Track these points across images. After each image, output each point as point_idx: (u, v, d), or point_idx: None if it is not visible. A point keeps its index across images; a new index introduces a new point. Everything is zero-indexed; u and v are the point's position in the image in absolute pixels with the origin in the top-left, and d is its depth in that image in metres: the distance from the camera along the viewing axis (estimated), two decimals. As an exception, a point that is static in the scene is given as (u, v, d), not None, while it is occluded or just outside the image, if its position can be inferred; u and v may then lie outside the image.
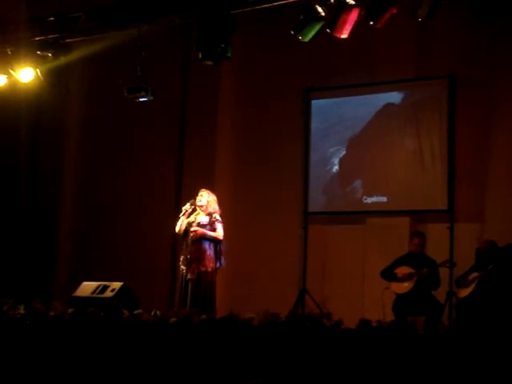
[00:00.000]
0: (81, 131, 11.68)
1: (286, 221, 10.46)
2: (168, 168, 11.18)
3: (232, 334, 6.37)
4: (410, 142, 9.76)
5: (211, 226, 8.37)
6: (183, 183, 10.90)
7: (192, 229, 8.31)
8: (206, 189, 8.59)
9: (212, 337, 6.45)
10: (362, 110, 10.10)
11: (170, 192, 10.99)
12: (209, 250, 8.33)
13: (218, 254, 8.39)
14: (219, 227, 8.37)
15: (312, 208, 10.29)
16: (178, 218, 8.48)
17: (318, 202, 10.32)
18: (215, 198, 8.56)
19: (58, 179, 11.65)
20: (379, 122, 10.00)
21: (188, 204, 8.50)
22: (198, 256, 8.25)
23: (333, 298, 9.72)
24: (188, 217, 8.44)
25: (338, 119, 10.29)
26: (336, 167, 10.28)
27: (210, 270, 8.27)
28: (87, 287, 8.53)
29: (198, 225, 8.38)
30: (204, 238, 8.33)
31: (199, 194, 8.53)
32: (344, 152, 10.28)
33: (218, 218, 8.41)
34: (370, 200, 10.00)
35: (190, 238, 8.36)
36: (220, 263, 8.39)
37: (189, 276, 8.23)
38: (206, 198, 8.48)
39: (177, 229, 8.48)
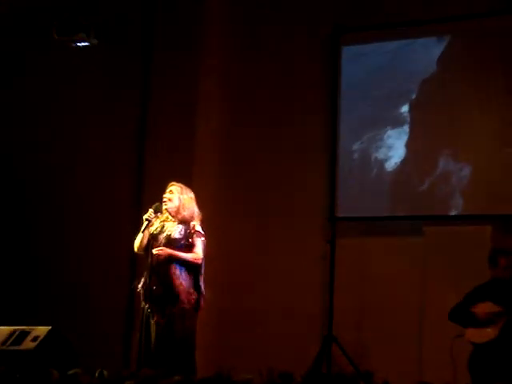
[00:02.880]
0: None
1: (302, 232, 9.01)
2: (123, 163, 9.56)
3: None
4: (493, 109, 8.14)
5: (187, 240, 6.84)
6: (144, 185, 9.36)
7: (154, 250, 6.82)
8: (178, 183, 7.13)
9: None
10: (418, 60, 8.59)
11: (127, 198, 9.43)
12: (181, 277, 6.82)
13: (197, 283, 6.88)
14: (198, 244, 6.91)
15: (348, 213, 8.89)
16: (137, 233, 7.08)
17: (359, 204, 8.86)
18: (192, 195, 7.05)
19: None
20: (443, 79, 8.48)
21: (151, 210, 7.03)
22: (165, 289, 6.78)
23: (374, 348, 8.47)
24: (151, 226, 6.99)
25: (382, 74, 8.78)
26: (388, 151, 8.71)
27: (186, 307, 6.78)
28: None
29: (169, 239, 6.79)
30: (174, 260, 6.82)
31: (167, 190, 7.07)
32: (395, 128, 8.68)
33: (198, 228, 6.92)
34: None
35: (153, 259, 6.81)
36: (200, 297, 6.88)
37: (155, 319, 6.76)
38: (178, 197, 6.99)
39: (135, 247, 7.01)
